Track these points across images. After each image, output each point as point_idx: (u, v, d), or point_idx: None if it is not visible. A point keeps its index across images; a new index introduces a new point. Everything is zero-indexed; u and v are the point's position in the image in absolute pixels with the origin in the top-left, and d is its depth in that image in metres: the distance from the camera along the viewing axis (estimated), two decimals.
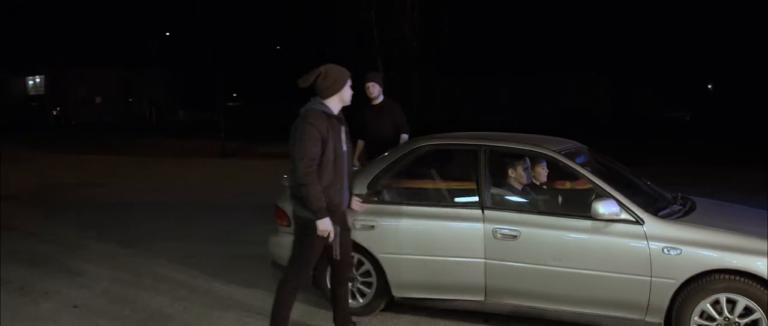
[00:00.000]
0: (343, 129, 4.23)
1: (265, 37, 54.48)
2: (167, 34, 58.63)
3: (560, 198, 5.19)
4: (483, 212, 4.63)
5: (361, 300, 5.00)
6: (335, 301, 4.53)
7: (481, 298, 4.64)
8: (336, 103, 4.17)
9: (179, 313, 5.15)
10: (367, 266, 4.94)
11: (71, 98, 57.72)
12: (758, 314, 3.97)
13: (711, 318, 4.08)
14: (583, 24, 34.31)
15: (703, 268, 4.06)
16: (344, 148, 4.21)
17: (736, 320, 4.03)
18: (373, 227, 4.81)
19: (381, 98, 6.69)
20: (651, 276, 4.17)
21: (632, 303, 4.24)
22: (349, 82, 4.19)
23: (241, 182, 14.19)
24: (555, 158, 4.71)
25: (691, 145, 20.66)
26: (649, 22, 34.04)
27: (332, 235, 4.09)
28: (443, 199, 5.07)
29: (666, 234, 4.19)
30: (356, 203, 4.50)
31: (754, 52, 31.88)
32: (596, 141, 5.91)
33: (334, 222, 4.13)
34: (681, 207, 4.67)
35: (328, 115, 4.10)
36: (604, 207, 4.23)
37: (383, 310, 5.02)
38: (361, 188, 4.83)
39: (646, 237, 4.21)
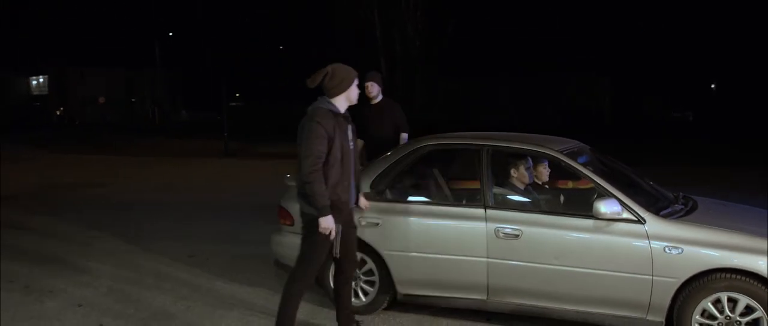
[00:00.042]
0: (349, 127, 4.27)
1: (266, 37, 54.51)
2: (170, 34, 58.69)
3: (562, 198, 5.22)
4: (485, 211, 4.65)
5: (363, 299, 5.02)
6: (338, 300, 4.55)
7: (483, 297, 4.66)
8: (343, 101, 4.22)
9: (182, 312, 5.18)
10: (370, 265, 4.96)
11: (74, 98, 57.84)
12: (759, 313, 3.98)
13: (712, 317, 4.10)
14: (584, 23, 34.32)
15: (705, 267, 4.08)
16: (351, 146, 4.25)
17: (737, 319, 4.04)
18: (378, 224, 4.84)
19: (380, 98, 6.70)
20: (653, 275, 4.19)
21: (634, 301, 4.25)
22: (355, 81, 4.24)
23: (242, 182, 14.22)
24: (557, 158, 4.73)
25: (692, 145, 20.67)
26: (650, 21, 34.06)
27: (334, 233, 4.11)
28: (446, 198, 5.09)
29: (667, 233, 4.21)
30: (363, 201, 4.53)
31: (756, 52, 31.87)
32: (597, 141, 5.93)
33: (342, 219, 4.18)
34: (682, 206, 4.69)
35: (335, 113, 4.15)
36: (605, 207, 4.25)
37: (386, 309, 5.04)
38: (364, 187, 4.85)
39: (648, 237, 4.22)
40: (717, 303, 4.09)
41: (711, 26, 33.52)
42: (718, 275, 4.07)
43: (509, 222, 4.56)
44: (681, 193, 5.06)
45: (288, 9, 44.15)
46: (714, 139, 22.41)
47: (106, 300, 5.49)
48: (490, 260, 4.57)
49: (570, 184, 5.41)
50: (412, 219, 4.80)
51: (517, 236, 4.51)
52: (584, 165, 4.73)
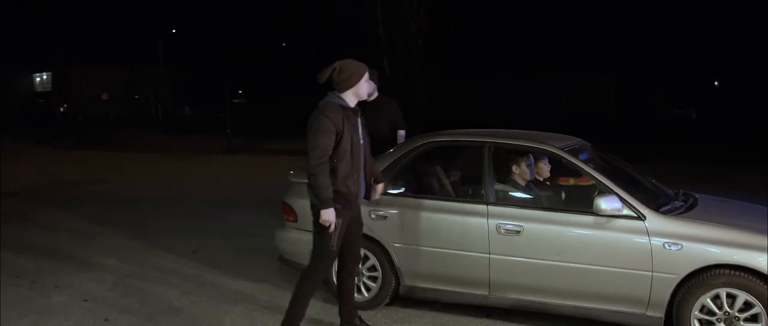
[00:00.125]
0: (359, 121, 4.32)
1: (268, 35, 54.56)
2: (173, 31, 58.75)
3: (563, 195, 5.26)
4: (487, 207, 4.70)
5: (366, 295, 5.08)
6: (341, 295, 4.60)
7: (485, 293, 4.71)
8: (351, 96, 4.27)
9: (187, 307, 5.23)
10: (373, 260, 5.01)
11: (78, 95, 57.92)
12: (758, 308, 4.03)
13: (711, 313, 4.14)
14: (585, 23, 34.27)
15: (704, 263, 4.12)
16: (361, 139, 4.31)
17: (736, 314, 4.09)
18: (386, 217, 4.90)
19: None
20: (652, 271, 4.23)
21: (634, 297, 4.30)
22: (365, 77, 4.28)
23: (246, 178, 14.27)
24: (558, 155, 4.77)
25: (692, 145, 20.65)
26: (652, 18, 33.98)
27: (333, 227, 4.17)
28: (449, 195, 5.14)
29: (667, 229, 4.25)
30: (377, 192, 4.58)
31: (760, 50, 31.80)
32: (597, 140, 5.96)
33: (350, 212, 4.24)
34: (682, 203, 4.73)
35: (344, 107, 4.21)
36: (606, 203, 4.30)
37: (388, 304, 5.10)
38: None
39: (648, 233, 4.27)
40: (716, 299, 4.13)
41: (714, 24, 33.45)
42: (718, 271, 4.11)
43: (511, 219, 4.61)
44: (681, 190, 5.10)
45: (290, 7, 44.20)
46: (714, 138, 22.38)
47: (112, 295, 5.56)
48: (491, 256, 4.62)
49: (571, 181, 5.45)
50: (417, 213, 4.86)
51: (518, 232, 4.56)
52: (585, 162, 4.77)
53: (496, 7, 32.20)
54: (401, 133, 6.59)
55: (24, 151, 21.59)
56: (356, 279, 4.86)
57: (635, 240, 4.29)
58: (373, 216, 4.90)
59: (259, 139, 24.77)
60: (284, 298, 5.29)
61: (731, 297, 4.09)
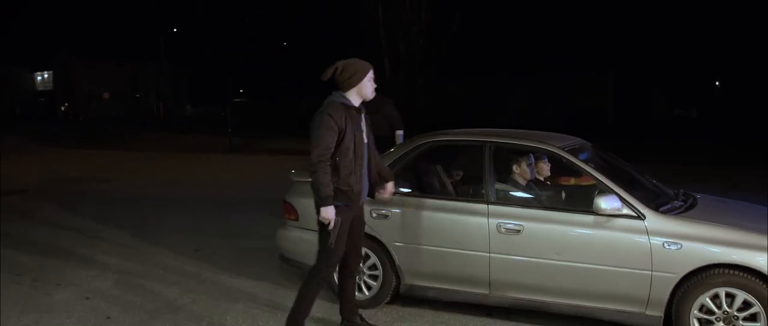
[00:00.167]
0: (363, 119, 4.34)
1: (269, 35, 54.62)
2: (175, 29, 58.82)
3: (563, 194, 5.28)
4: (488, 207, 4.72)
5: (367, 293, 5.10)
6: (342, 294, 4.61)
7: (485, 291, 4.73)
8: (355, 95, 4.29)
9: (189, 305, 5.25)
10: (374, 259, 5.03)
11: (79, 93, 58.01)
12: (756, 308, 4.04)
13: (710, 312, 4.16)
14: (585, 23, 34.28)
15: (703, 263, 4.13)
16: (365, 138, 4.33)
17: (735, 313, 4.10)
18: (387, 216, 4.92)
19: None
20: (652, 271, 4.25)
21: (633, 296, 4.32)
22: (368, 76, 4.28)
23: (247, 177, 14.29)
24: (559, 154, 4.79)
25: (692, 145, 20.67)
26: (652, 19, 33.97)
27: (332, 224, 4.19)
28: (449, 194, 5.16)
29: (667, 229, 4.27)
30: (387, 191, 4.61)
31: (762, 50, 31.79)
32: (598, 141, 5.97)
33: (353, 211, 4.27)
34: (682, 203, 4.75)
35: (348, 106, 4.23)
36: (606, 203, 4.31)
37: (389, 303, 5.11)
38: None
39: (647, 232, 4.29)
40: (715, 298, 4.14)
41: (715, 24, 33.46)
42: (717, 271, 4.12)
43: (511, 218, 4.63)
44: (681, 190, 5.12)
45: (290, 7, 44.24)
46: (714, 138, 22.39)
47: (114, 293, 5.58)
48: (492, 255, 4.64)
49: (571, 181, 5.47)
50: (418, 212, 4.88)
51: (518, 231, 4.58)
52: (585, 161, 4.79)
53: (495, 8, 32.20)
54: (399, 133, 6.60)
55: (27, 149, 21.63)
56: (357, 277, 4.88)
57: (635, 239, 4.31)
58: (374, 215, 4.92)
59: (260, 139, 24.80)
60: (285, 297, 5.34)
61: (730, 297, 4.11)
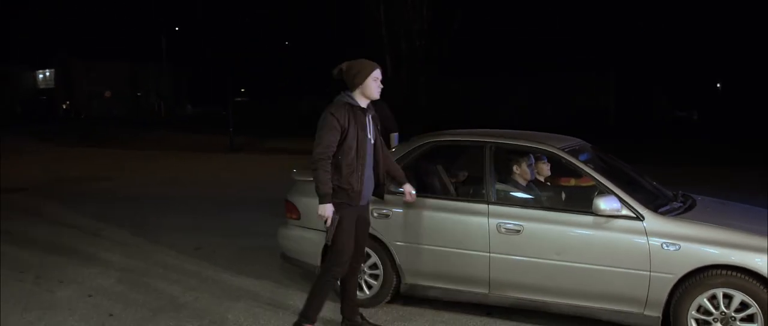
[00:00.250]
0: (368, 119, 4.37)
1: (269, 34, 54.64)
2: (176, 28, 58.84)
3: (563, 194, 5.31)
4: (488, 207, 4.75)
5: (368, 292, 5.13)
6: (344, 293, 4.64)
7: (485, 291, 4.76)
8: (359, 95, 4.33)
9: (191, 302, 5.29)
10: (375, 258, 5.06)
11: (80, 92, 58.05)
12: (754, 309, 4.07)
13: (708, 313, 4.19)
14: (586, 23, 34.27)
15: (701, 264, 4.16)
16: (370, 138, 4.35)
17: (733, 314, 4.13)
18: (388, 216, 4.96)
19: None
20: (650, 271, 4.28)
21: (631, 297, 4.35)
22: (372, 76, 4.30)
23: (248, 176, 14.33)
24: (558, 155, 4.82)
25: (692, 145, 20.69)
26: (653, 19, 33.96)
27: (329, 222, 4.22)
28: (450, 194, 5.19)
29: (665, 230, 4.30)
30: (408, 195, 4.66)
31: (763, 51, 31.78)
32: (598, 141, 6.01)
33: (355, 210, 4.30)
34: (681, 204, 4.77)
35: (353, 106, 4.27)
36: (605, 203, 4.34)
37: (389, 302, 5.14)
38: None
39: (646, 233, 4.31)
40: (712, 299, 4.17)
41: (717, 25, 33.45)
42: (715, 272, 4.15)
43: (511, 218, 4.66)
44: (680, 191, 5.14)
45: (291, 7, 44.25)
46: (715, 139, 22.41)
47: (117, 290, 5.61)
48: (492, 255, 4.67)
49: (571, 181, 5.50)
50: (418, 212, 4.91)
51: (518, 231, 4.61)
52: (585, 162, 4.82)
53: (497, 7, 32.22)
54: (394, 135, 6.58)
55: (28, 148, 21.65)
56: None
57: (634, 240, 4.33)
58: (375, 214, 4.95)
59: (261, 138, 24.82)
60: (287, 295, 5.38)
61: (728, 298, 4.13)
